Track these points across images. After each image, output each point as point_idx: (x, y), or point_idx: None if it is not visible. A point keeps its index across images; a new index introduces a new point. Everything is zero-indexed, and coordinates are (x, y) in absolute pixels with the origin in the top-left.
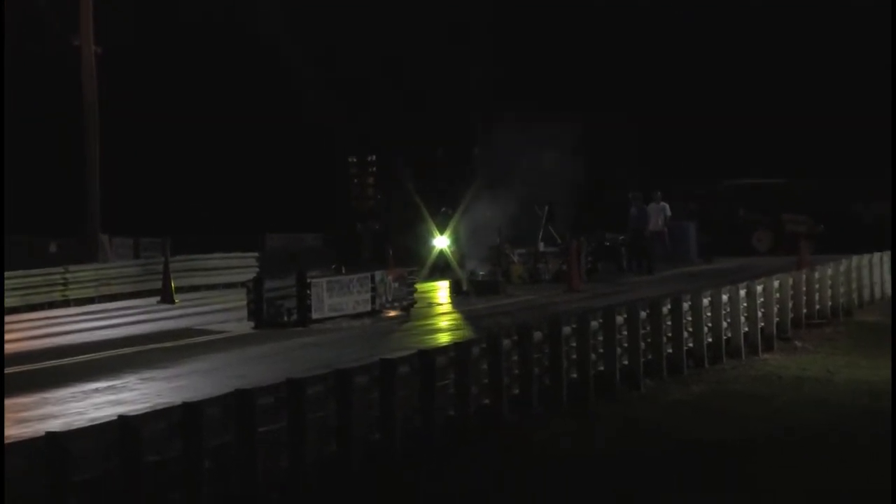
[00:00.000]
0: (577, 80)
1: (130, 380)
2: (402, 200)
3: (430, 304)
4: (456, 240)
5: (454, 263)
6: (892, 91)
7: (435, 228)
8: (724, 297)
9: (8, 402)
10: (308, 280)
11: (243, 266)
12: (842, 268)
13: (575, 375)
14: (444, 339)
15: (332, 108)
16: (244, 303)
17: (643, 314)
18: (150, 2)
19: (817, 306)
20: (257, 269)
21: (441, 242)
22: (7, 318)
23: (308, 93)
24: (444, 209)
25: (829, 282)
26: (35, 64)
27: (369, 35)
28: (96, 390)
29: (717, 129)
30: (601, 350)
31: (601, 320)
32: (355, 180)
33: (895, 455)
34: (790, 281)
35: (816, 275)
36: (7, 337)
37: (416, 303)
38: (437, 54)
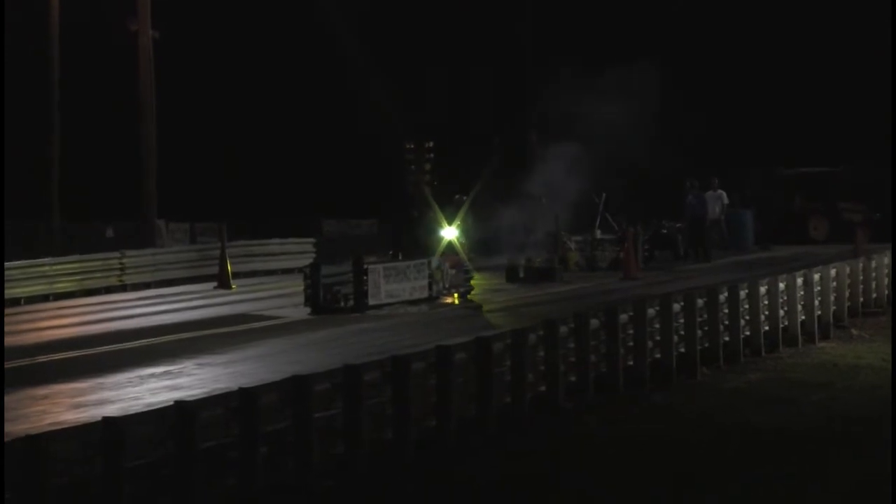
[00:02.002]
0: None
1: (187, 365)
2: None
3: (487, 291)
4: (465, 230)
5: (463, 255)
6: (892, 90)
7: (444, 219)
8: (781, 286)
9: (64, 386)
10: (365, 266)
11: (300, 252)
12: None
13: (631, 363)
14: (500, 325)
15: (389, 93)
16: (301, 288)
17: (700, 302)
18: None
19: (874, 295)
20: (314, 255)
21: (449, 233)
22: (63, 303)
23: (364, 77)
24: (457, 196)
25: (886, 270)
26: (91, 48)
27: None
28: (153, 375)
29: (772, 115)
30: (658, 338)
31: (658, 308)
32: (412, 167)
33: (895, 454)
34: (847, 269)
35: (873, 263)
36: (63, 322)
37: (472, 289)
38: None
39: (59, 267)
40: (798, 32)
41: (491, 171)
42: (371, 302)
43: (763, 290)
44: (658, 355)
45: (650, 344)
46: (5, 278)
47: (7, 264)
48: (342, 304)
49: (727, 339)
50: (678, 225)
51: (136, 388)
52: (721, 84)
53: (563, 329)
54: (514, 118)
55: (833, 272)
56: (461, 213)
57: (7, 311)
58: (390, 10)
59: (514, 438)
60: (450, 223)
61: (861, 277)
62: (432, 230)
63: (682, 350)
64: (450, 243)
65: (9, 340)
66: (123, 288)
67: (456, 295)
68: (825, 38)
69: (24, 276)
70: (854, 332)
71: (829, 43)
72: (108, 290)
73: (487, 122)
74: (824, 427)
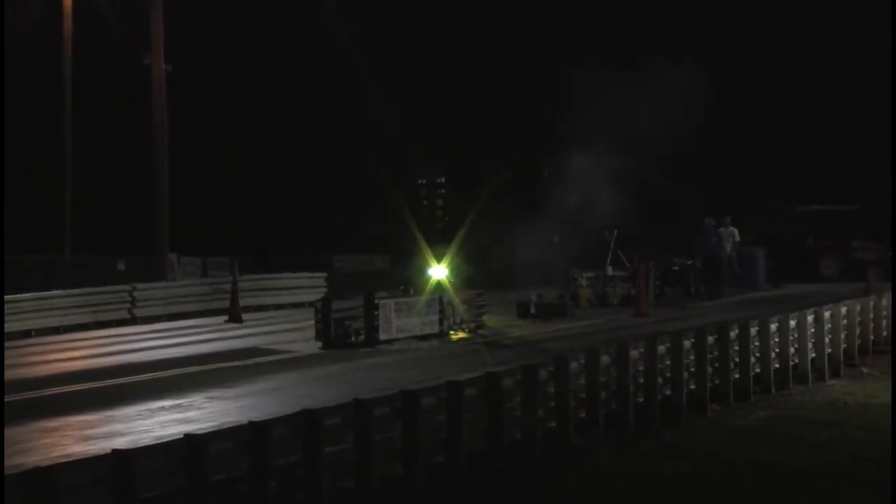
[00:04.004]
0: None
1: (197, 398)
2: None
3: (498, 327)
4: (454, 269)
5: (452, 295)
6: (892, 104)
7: (432, 257)
8: (792, 323)
9: (74, 419)
10: (376, 301)
11: (311, 286)
12: None
13: (642, 399)
14: (511, 361)
15: (401, 128)
16: (312, 323)
17: (711, 339)
18: (218, 23)
19: (885, 333)
20: (325, 290)
21: (438, 272)
22: (75, 335)
23: (376, 113)
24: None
25: None
26: (105, 81)
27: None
28: (163, 408)
29: (787, 152)
30: (668, 374)
31: (668, 345)
32: (424, 202)
33: (895, 466)
34: (858, 307)
35: (884, 302)
36: (74, 354)
37: (483, 324)
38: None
39: (70, 299)
40: (813, 71)
41: (483, 204)
42: (382, 337)
43: (774, 327)
44: (668, 392)
45: (660, 380)
46: (17, 311)
47: (19, 296)
48: (353, 338)
49: (737, 376)
50: (689, 262)
51: (147, 421)
52: (736, 121)
53: (574, 365)
54: (526, 144)
55: (844, 310)
56: (450, 252)
57: (18, 342)
58: (401, 40)
59: (524, 473)
60: (438, 261)
61: (872, 316)
62: (421, 269)
63: (693, 387)
64: (439, 283)
65: (19, 372)
66: (134, 321)
67: (467, 330)
68: (840, 76)
69: (36, 309)
70: (864, 370)
71: (844, 82)
72: (120, 322)
73: (498, 151)
74: (834, 465)
